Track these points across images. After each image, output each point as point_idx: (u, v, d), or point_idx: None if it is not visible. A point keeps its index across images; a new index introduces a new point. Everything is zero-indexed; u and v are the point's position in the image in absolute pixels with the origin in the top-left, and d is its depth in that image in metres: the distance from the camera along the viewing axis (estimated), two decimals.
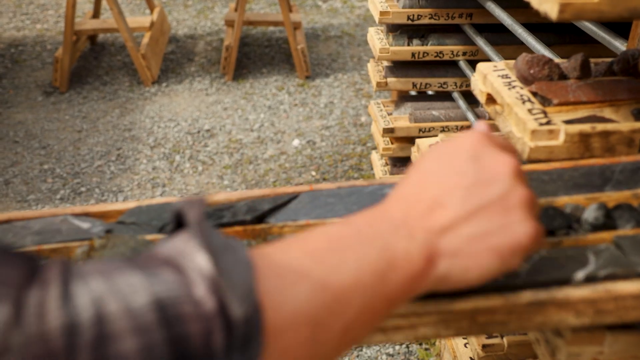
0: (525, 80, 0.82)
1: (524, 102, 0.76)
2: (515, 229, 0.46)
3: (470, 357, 0.91)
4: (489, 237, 0.46)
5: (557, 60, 0.84)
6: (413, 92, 2.30)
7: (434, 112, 2.00)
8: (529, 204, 0.47)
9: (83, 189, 2.85)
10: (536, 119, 0.73)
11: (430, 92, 2.28)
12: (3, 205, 2.73)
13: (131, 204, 0.70)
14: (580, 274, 0.54)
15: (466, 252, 0.46)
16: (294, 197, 0.68)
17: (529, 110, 0.75)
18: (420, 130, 1.98)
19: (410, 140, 2.06)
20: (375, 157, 2.27)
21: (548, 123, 0.72)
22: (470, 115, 1.88)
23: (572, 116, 0.76)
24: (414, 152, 0.92)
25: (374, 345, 0.60)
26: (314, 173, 3.03)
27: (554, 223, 0.61)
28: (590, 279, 0.54)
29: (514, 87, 0.80)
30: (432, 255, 0.45)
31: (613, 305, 0.53)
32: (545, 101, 0.79)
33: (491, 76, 0.83)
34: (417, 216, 0.46)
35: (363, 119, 3.49)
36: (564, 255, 0.56)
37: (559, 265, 0.55)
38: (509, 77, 0.83)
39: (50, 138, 3.21)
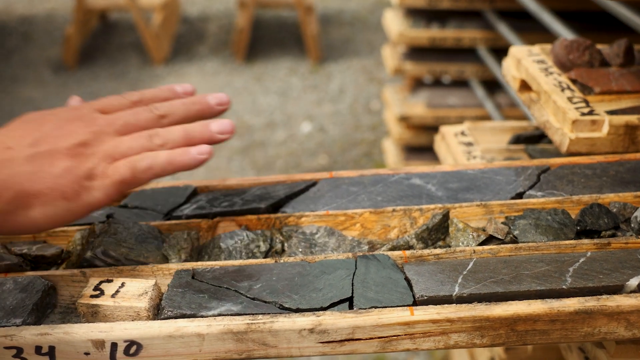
0: (563, 67, 0.76)
1: (562, 90, 0.70)
2: (76, 170, 0.50)
3: (492, 358, 0.86)
4: (53, 177, 0.49)
5: (598, 45, 0.78)
6: (427, 79, 2.23)
7: (451, 100, 1.94)
8: (105, 159, 0.52)
9: None
10: (577, 109, 0.67)
11: (445, 80, 2.21)
12: None
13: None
14: (634, 281, 0.48)
15: (28, 187, 0.48)
16: (312, 184, 0.63)
17: (569, 99, 0.69)
18: (435, 118, 1.91)
19: (424, 129, 2.00)
20: (387, 144, 2.21)
21: (591, 113, 0.66)
22: (488, 105, 1.81)
23: (615, 106, 0.70)
24: (438, 140, 0.86)
25: (402, 352, 0.55)
26: (324, 159, 2.97)
27: (600, 222, 0.55)
28: None
29: (551, 73, 0.74)
30: None
31: None
32: (585, 89, 0.73)
33: (526, 61, 0.77)
34: None
35: (374, 105, 3.42)
36: (614, 259, 0.50)
37: (609, 270, 0.49)
38: (546, 63, 0.76)
39: None
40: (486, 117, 1.89)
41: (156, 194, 0.63)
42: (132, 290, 0.50)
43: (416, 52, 1.93)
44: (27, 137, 0.51)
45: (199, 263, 0.54)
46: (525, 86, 0.77)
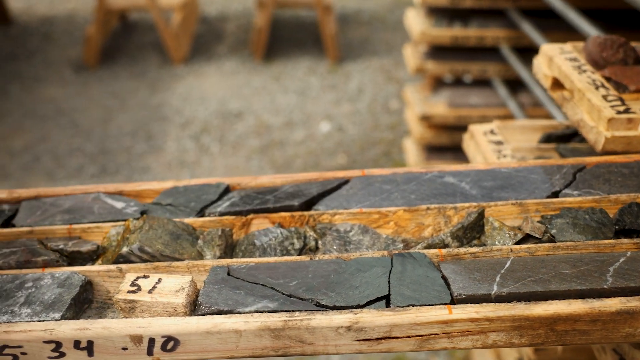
0: (596, 64, 0.75)
1: (597, 88, 0.69)
2: None
3: (520, 359, 0.85)
4: None
5: (632, 43, 0.77)
6: (447, 78, 2.22)
7: (472, 100, 1.93)
8: None
9: (111, 167, 2.83)
10: (613, 107, 0.66)
11: (466, 80, 2.20)
12: (32, 181, 2.72)
13: (167, 184, 0.65)
14: None
15: None
16: (344, 182, 0.63)
17: (604, 97, 0.68)
18: (457, 117, 1.90)
19: (445, 128, 1.99)
20: (408, 143, 2.20)
21: (627, 111, 0.65)
22: (511, 104, 1.80)
23: None
24: (466, 139, 0.86)
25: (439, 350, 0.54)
26: (343, 158, 2.97)
27: (639, 221, 0.54)
28: None
29: (584, 71, 0.73)
30: None
31: None
32: (619, 87, 0.72)
33: (558, 59, 0.76)
34: None
35: (393, 104, 3.41)
36: None
37: None
38: (578, 61, 0.76)
39: (79, 115, 3.19)
40: (509, 117, 1.88)
41: (189, 191, 0.63)
42: (169, 286, 0.51)
43: (438, 51, 1.92)
44: None
45: (234, 260, 0.54)
46: (557, 84, 0.76)
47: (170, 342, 0.49)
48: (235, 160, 2.98)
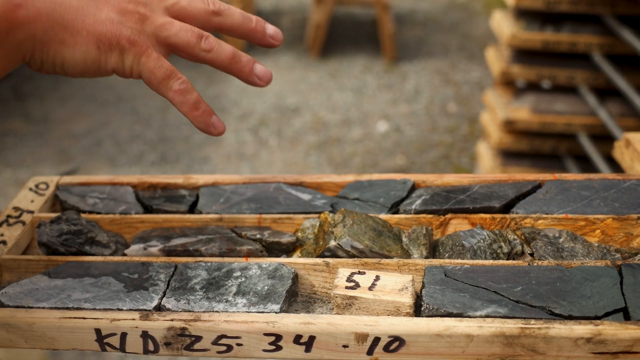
0: None
1: None
2: (119, 26, 0.50)
3: None
4: (86, 18, 0.49)
5: None
6: (520, 82, 2.17)
7: (558, 107, 1.88)
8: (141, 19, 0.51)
9: (172, 155, 2.84)
10: None
11: (545, 85, 2.15)
12: (94, 165, 2.75)
13: (348, 178, 0.63)
14: None
15: (68, 21, 0.48)
16: (537, 185, 0.61)
17: None
18: (542, 124, 1.86)
19: (526, 134, 1.95)
20: (482, 148, 2.16)
21: None
22: (602, 113, 1.75)
23: None
24: (620, 147, 0.82)
25: None
26: (401, 159, 2.94)
27: None
28: None
29: None
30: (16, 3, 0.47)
31: None
32: None
33: None
34: None
35: (451, 107, 3.37)
36: None
37: None
38: None
39: (139, 102, 3.21)
40: (596, 126, 1.83)
41: (374, 186, 0.61)
42: (390, 285, 0.49)
43: (524, 55, 1.89)
44: None
45: (446, 260, 0.52)
46: None
47: (395, 343, 0.47)
48: (293, 156, 2.97)
